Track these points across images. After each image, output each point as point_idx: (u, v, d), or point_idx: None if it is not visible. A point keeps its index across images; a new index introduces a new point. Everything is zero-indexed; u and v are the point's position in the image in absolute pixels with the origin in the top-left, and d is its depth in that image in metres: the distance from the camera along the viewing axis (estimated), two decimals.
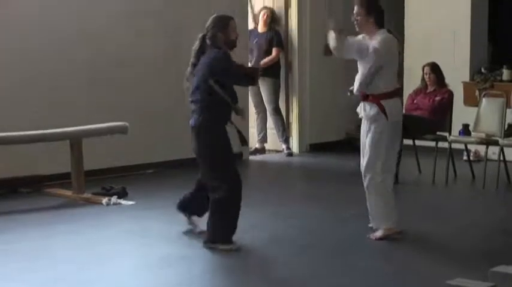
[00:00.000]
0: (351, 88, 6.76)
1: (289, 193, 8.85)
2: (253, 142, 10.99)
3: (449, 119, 9.16)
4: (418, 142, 9.44)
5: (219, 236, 6.32)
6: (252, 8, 11.03)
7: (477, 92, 10.18)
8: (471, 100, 10.25)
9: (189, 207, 6.77)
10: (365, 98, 6.60)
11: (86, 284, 5.67)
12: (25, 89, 8.70)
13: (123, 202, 8.03)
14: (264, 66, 10.46)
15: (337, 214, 7.62)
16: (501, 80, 10.30)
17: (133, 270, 5.97)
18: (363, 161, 6.63)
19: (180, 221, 6.84)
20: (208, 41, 6.34)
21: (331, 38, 6.50)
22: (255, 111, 10.99)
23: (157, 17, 9.61)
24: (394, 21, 9.99)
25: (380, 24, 6.54)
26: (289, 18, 11.16)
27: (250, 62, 10.59)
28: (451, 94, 9.21)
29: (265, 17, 10.88)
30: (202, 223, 6.58)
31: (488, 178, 8.77)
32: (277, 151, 11.15)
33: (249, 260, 6.25)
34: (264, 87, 10.77)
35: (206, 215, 6.45)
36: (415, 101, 9.29)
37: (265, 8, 10.97)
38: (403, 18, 11.01)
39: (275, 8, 11.05)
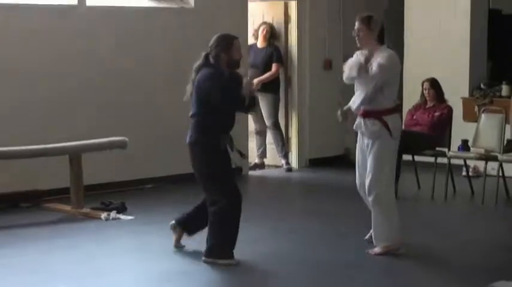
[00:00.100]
0: (345, 108, 6.67)
1: (288, 208, 8.84)
2: (253, 157, 10.99)
3: (448, 135, 9.17)
4: (417, 158, 9.44)
5: (219, 250, 6.31)
6: None
7: (476, 108, 10.19)
8: (470, 116, 10.26)
9: (190, 225, 6.72)
10: (366, 114, 6.58)
11: None
12: (26, 105, 8.73)
13: (122, 216, 8.03)
14: (263, 81, 10.49)
15: (337, 228, 7.62)
16: (500, 96, 10.30)
17: (133, 285, 5.96)
18: (365, 178, 6.57)
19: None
20: (212, 60, 6.34)
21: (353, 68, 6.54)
22: (254, 126, 11.00)
23: (161, 37, 9.67)
24: (393, 37, 10.00)
25: (381, 41, 6.58)
26: (288, 33, 11.17)
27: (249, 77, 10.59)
28: (450, 110, 9.21)
29: (264, 32, 10.87)
30: (202, 236, 6.59)
31: (487, 193, 8.77)
32: (277, 166, 11.14)
33: (249, 274, 6.25)
34: (263, 102, 10.78)
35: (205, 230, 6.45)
36: (414, 117, 9.29)
37: (264, 23, 10.96)
38: (402, 35, 11.04)
39: (274, 24, 11.05)
